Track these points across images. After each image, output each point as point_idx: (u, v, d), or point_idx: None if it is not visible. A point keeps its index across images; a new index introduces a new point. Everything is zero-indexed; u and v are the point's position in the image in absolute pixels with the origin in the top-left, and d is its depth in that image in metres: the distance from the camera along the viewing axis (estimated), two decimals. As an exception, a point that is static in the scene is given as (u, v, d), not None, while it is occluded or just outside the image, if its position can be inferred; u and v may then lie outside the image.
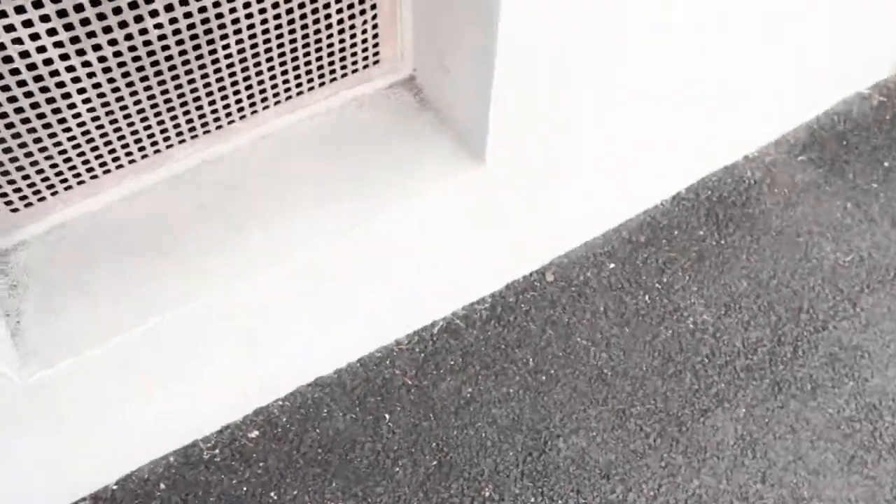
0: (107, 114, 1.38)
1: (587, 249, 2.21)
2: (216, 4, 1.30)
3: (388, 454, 1.90)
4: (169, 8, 1.26)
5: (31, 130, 1.33)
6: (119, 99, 1.36)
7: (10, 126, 1.30)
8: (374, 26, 1.54)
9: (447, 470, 1.89)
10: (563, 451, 1.93)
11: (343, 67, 1.58)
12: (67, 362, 1.42)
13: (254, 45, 1.41)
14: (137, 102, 1.39)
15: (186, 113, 1.47)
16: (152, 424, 1.76)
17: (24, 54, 1.21)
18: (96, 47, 1.25)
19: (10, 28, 1.16)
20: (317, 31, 1.47)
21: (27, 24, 1.17)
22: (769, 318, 2.14)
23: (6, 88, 1.24)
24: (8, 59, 1.20)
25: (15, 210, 1.46)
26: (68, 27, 1.20)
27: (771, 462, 1.93)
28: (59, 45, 1.22)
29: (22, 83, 1.24)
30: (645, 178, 2.17)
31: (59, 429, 1.58)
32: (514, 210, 1.85)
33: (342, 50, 1.54)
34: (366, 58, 1.60)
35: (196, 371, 1.68)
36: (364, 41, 1.56)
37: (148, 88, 1.37)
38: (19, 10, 1.15)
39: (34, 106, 1.29)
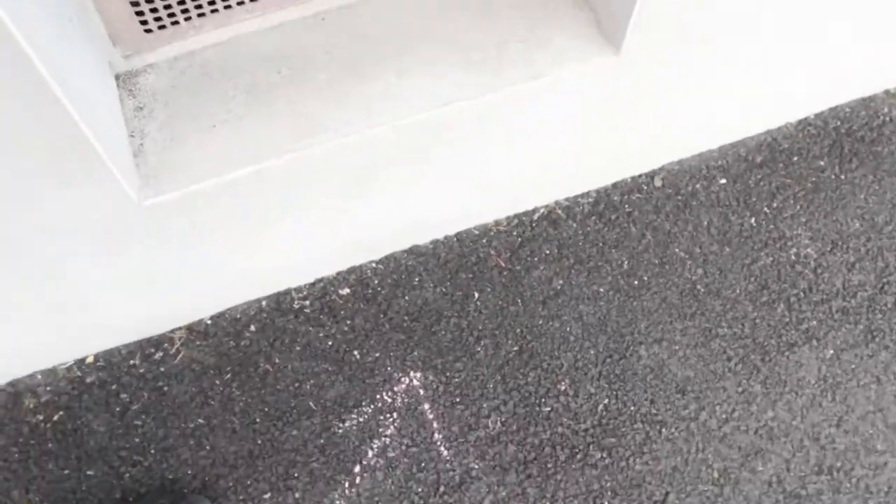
0: (252, -58, 1.35)
1: (701, 160, 2.14)
2: None
3: (472, 332, 1.92)
4: None
5: (178, -52, 1.31)
6: (267, -72, 1.34)
7: (158, -61, 1.28)
8: None
9: (527, 357, 1.90)
10: (644, 360, 1.91)
11: (492, -71, 1.52)
12: (182, 192, 1.44)
13: None
14: (284, -66, 1.36)
15: (329, -47, 1.44)
16: (251, 266, 1.80)
17: None
18: None
19: None
20: None
21: None
22: (876, 264, 2.06)
23: None
24: None
25: (148, 31, 1.46)
26: None
27: (849, 408, 1.89)
28: None
29: None
30: (773, 96, 2.06)
31: (167, 254, 1.62)
32: (637, 107, 1.79)
33: None
34: (517, -78, 1.53)
35: (299, 219, 1.70)
36: None
37: (296, -79, 1.34)
38: None
39: (184, -78, 1.27)
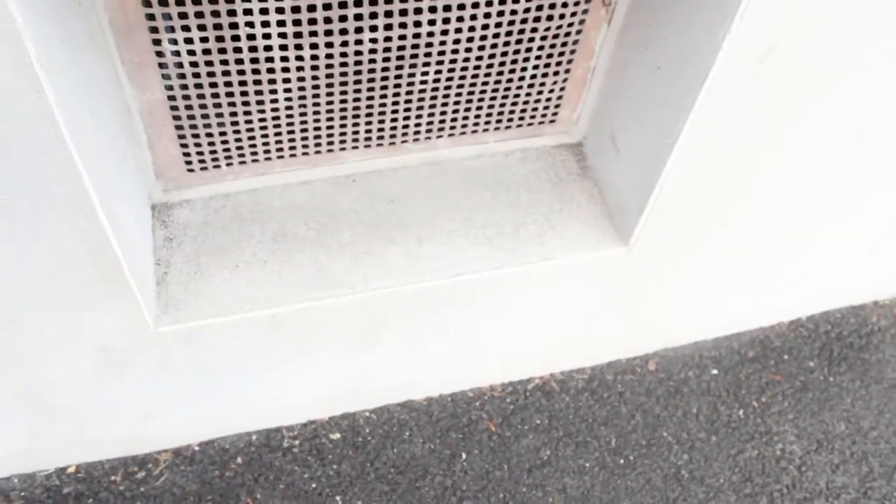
0: (300, 106, 1.46)
1: (695, 349, 2.20)
2: (430, 34, 1.38)
3: (456, 492, 1.93)
4: (388, 27, 1.34)
5: (232, 104, 1.42)
6: (315, 96, 1.45)
7: (214, 95, 1.39)
8: (562, 89, 1.60)
9: (507, 524, 1.91)
10: (623, 540, 1.92)
11: (521, 119, 1.64)
12: (197, 323, 1.50)
13: (448, 79, 1.49)
14: (329, 103, 1.47)
15: (368, 123, 1.55)
16: (247, 400, 1.83)
17: (251, 36, 1.30)
18: (313, 46, 1.34)
19: (248, 11, 1.26)
20: (508, 81, 1.53)
21: (263, 11, 1.26)
22: (860, 468, 2.09)
23: (225, 62, 1.33)
24: (236, 38, 1.30)
25: (191, 170, 1.56)
26: (296, 22, 1.30)
27: None
28: (282, 35, 1.31)
29: (239, 61, 1.34)
30: (769, 297, 2.16)
31: (168, 380, 1.66)
32: (640, 295, 1.87)
33: (525, 103, 1.61)
34: (544, 115, 1.65)
35: (300, 364, 1.75)
36: (548, 100, 1.62)
37: (343, 93, 1.46)
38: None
39: (242, 83, 1.38)
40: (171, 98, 1.39)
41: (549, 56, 1.51)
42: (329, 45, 1.35)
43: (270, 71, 1.38)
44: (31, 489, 1.85)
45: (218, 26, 1.28)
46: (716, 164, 1.50)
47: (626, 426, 2.06)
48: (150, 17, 1.25)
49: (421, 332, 1.75)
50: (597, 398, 2.09)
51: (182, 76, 1.36)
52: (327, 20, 1.30)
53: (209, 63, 1.34)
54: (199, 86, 1.38)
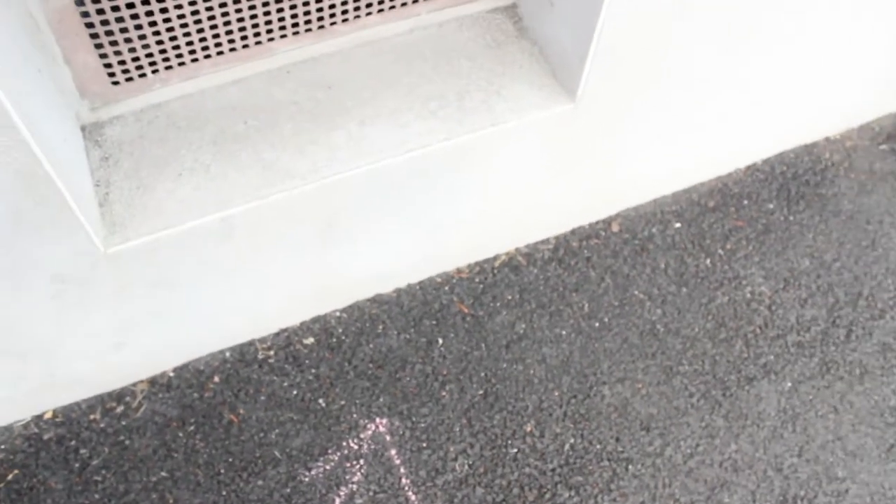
0: (219, 1, 1.40)
1: (656, 206, 2.20)
2: None
3: (437, 377, 1.93)
4: None
5: (145, 2, 1.35)
6: (233, -18, 1.38)
7: (127, -6, 1.32)
8: (487, -55, 1.54)
9: (492, 400, 1.92)
10: (608, 398, 1.94)
11: (449, -16, 1.59)
12: (147, 238, 1.46)
13: (369, -53, 1.42)
14: (249, -11, 1.41)
15: (293, 7, 1.48)
16: (215, 316, 1.80)
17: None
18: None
19: None
20: (431, -58, 1.47)
21: None
22: (827, 299, 2.13)
23: (131, -46, 1.26)
24: (137, -75, 1.22)
25: (116, 83, 1.49)
26: None
27: (810, 438, 1.93)
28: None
29: (145, -49, 1.27)
30: (723, 144, 2.15)
31: (131, 305, 1.62)
32: (593, 154, 1.85)
33: (452, -35, 1.55)
34: (473, -23, 1.60)
35: (262, 268, 1.71)
36: (474, -41, 1.56)
37: (262, -24, 1.39)
38: None
39: (153, -23, 1.31)
40: (80, 3, 1.32)
41: None
42: (237, -79, 1.28)
43: (180, -41, 1.30)
44: (10, 441, 1.82)
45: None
46: (651, 4, 1.46)
47: (596, 290, 2.07)
48: None
49: (378, 218, 1.72)
50: (565, 266, 2.10)
51: (87, -24, 1.28)
52: None
53: (113, -42, 1.26)
54: (107, -15, 1.30)
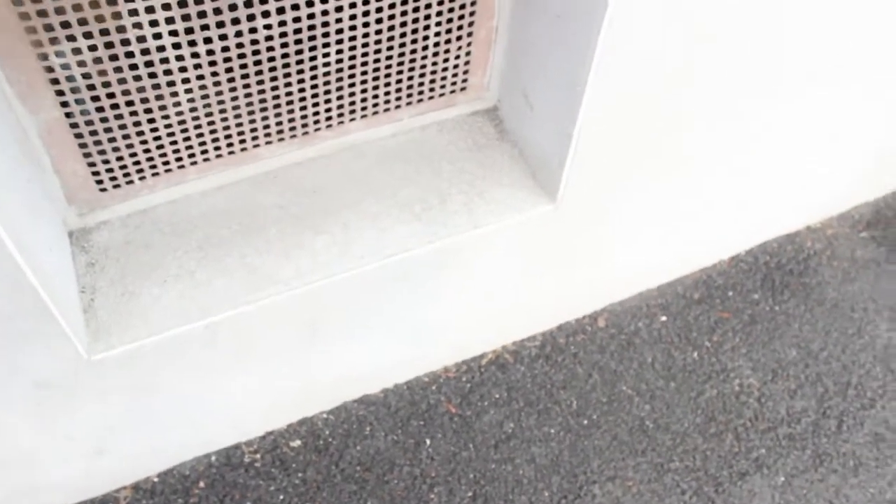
0: (204, 106, 1.43)
1: (641, 300, 2.21)
2: (324, 13, 1.35)
3: (426, 480, 1.90)
4: (280, 11, 1.31)
5: (133, 113, 1.38)
6: (218, 94, 1.41)
7: (114, 107, 1.35)
8: (468, 53, 1.59)
9: (482, 502, 1.89)
10: (598, 498, 1.91)
11: (431, 90, 1.63)
12: (129, 347, 1.45)
13: (351, 58, 1.46)
14: (234, 99, 1.44)
15: (278, 115, 1.51)
16: (200, 420, 1.78)
17: (141, 39, 1.26)
18: (207, 40, 1.31)
19: (133, 12, 1.22)
20: (412, 52, 1.51)
21: (149, 10, 1.22)
22: (816, 390, 2.12)
23: (118, 70, 1.29)
24: (125, 42, 1.25)
25: (103, 190, 1.50)
26: (185, 17, 1.26)
27: (806, 534, 1.91)
28: (173, 33, 1.27)
29: (133, 66, 1.30)
30: (706, 236, 2.18)
31: (115, 411, 1.60)
32: (576, 252, 1.87)
33: (433, 73, 1.59)
34: (454, 83, 1.64)
35: (249, 371, 1.70)
36: (455, 67, 1.60)
37: (246, 87, 1.42)
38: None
39: (140, 90, 1.34)
40: (69, 115, 1.34)
41: (450, 21, 1.50)
42: (223, 37, 1.31)
43: (167, 73, 1.34)
44: (-12, 550, 1.77)
45: (105, 31, 1.23)
46: (629, 105, 1.50)
47: (584, 386, 2.06)
48: (31, 30, 1.20)
49: (363, 321, 1.72)
50: (552, 363, 2.09)
51: (76, 90, 1.31)
52: (216, 11, 1.27)
53: (102, 73, 1.29)
54: (95, 98, 1.33)
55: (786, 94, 1.74)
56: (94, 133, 1.39)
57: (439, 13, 1.46)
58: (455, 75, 1.62)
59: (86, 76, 1.29)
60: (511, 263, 1.79)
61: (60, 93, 1.30)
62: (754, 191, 2.08)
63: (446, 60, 1.57)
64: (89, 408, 1.56)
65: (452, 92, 1.66)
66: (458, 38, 1.54)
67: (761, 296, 2.27)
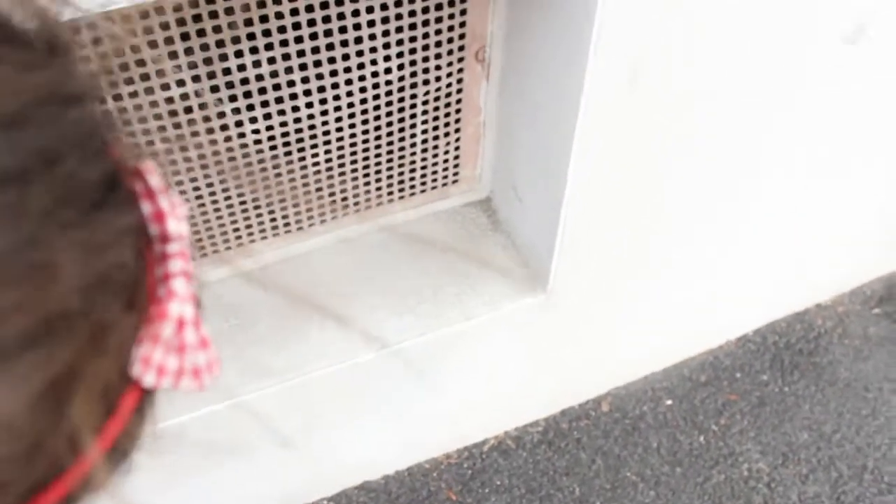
0: (199, 205, 1.47)
1: (646, 383, 2.20)
2: (310, 117, 1.40)
3: (425, 568, 1.89)
4: (267, 116, 1.36)
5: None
6: (212, 193, 1.46)
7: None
8: (457, 148, 1.62)
9: (483, 592, 1.86)
10: (604, 588, 1.88)
11: (423, 183, 1.66)
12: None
13: (341, 156, 1.50)
14: (227, 198, 1.48)
15: (271, 213, 1.56)
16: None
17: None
18: (198, 145, 1.35)
19: (123, 110, 1.27)
20: (401, 148, 1.55)
21: (141, 119, 1.28)
22: (829, 474, 2.07)
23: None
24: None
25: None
26: (176, 126, 1.31)
27: None
28: (165, 140, 1.32)
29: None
30: (710, 317, 2.17)
31: None
32: (574, 338, 1.87)
33: (423, 168, 1.63)
34: (445, 176, 1.67)
35: (246, 461, 1.72)
36: (445, 161, 1.64)
37: (239, 186, 1.47)
38: (133, 95, 1.26)
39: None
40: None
41: (436, 119, 1.54)
42: (213, 142, 1.36)
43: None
44: None
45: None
46: (613, 195, 1.52)
47: (587, 472, 2.04)
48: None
49: (361, 411, 1.73)
50: (554, 449, 2.07)
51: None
52: (206, 119, 1.32)
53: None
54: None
55: (788, 170, 1.74)
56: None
57: (425, 112, 1.50)
58: (446, 169, 1.66)
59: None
60: (509, 351, 1.80)
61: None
62: (760, 269, 2.07)
63: (435, 156, 1.61)
64: None
65: (444, 185, 1.69)
66: (446, 134, 1.58)
67: (770, 377, 2.24)
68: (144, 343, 0.29)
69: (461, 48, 1.43)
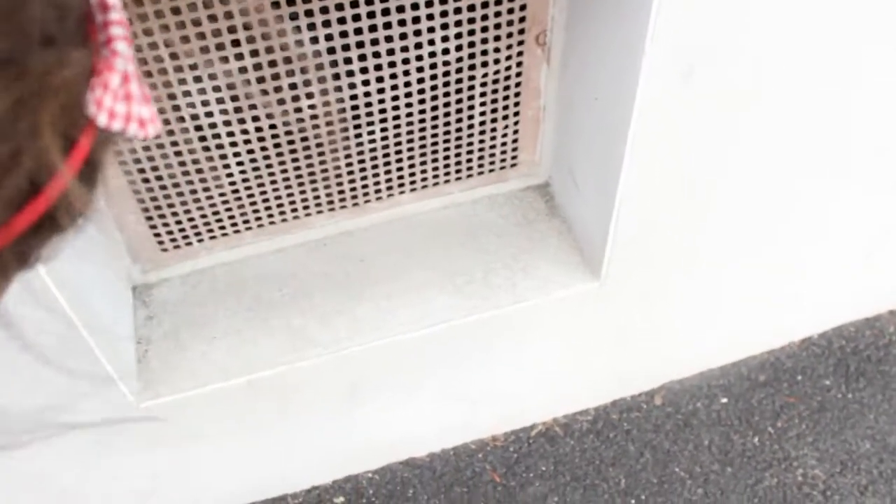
0: (256, 177, 1.51)
1: (702, 379, 2.16)
2: (367, 94, 1.41)
3: (464, 547, 1.91)
4: (324, 92, 1.38)
5: (190, 182, 1.47)
6: (269, 166, 1.49)
7: (172, 176, 1.44)
8: (516, 131, 1.62)
9: (519, 575, 1.87)
10: (642, 582, 1.86)
11: (481, 166, 1.66)
12: (176, 397, 1.53)
13: (398, 134, 1.52)
14: (284, 171, 1.51)
15: (327, 187, 1.58)
16: (245, 470, 1.85)
17: (195, 116, 1.35)
18: (255, 118, 1.39)
19: (187, 93, 1.31)
20: (459, 130, 1.56)
21: (201, 91, 1.31)
22: (890, 487, 2.00)
23: (175, 143, 1.38)
24: (181, 119, 1.35)
25: (164, 250, 1.60)
26: (234, 98, 1.34)
27: None
28: (224, 112, 1.36)
29: (188, 141, 1.39)
30: (774, 316, 2.11)
31: (159, 457, 1.69)
32: (627, 329, 1.85)
33: (482, 150, 1.63)
34: (503, 160, 1.67)
35: (290, 428, 1.76)
36: (504, 144, 1.63)
37: (295, 160, 1.50)
38: (196, 79, 1.30)
39: (195, 162, 1.43)
40: (132, 182, 1.45)
41: (494, 101, 1.53)
42: (270, 115, 1.39)
43: (219, 147, 1.42)
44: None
45: (161, 111, 1.33)
46: (669, 187, 1.49)
47: (635, 465, 2.02)
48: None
49: (406, 386, 1.75)
50: (602, 439, 2.06)
51: (137, 160, 1.41)
52: (263, 92, 1.35)
53: (160, 146, 1.39)
54: (155, 168, 1.43)
55: (857, 169, 1.68)
56: (154, 199, 1.49)
57: (483, 94, 1.50)
58: (504, 152, 1.65)
59: (145, 148, 1.39)
60: (559, 337, 1.79)
61: (122, 162, 1.40)
62: (829, 271, 2.00)
63: (493, 139, 1.60)
64: (136, 453, 1.65)
65: (503, 168, 1.69)
66: (505, 117, 1.57)
67: (833, 382, 2.17)
68: (96, 89, 0.33)
69: (521, 31, 1.42)
